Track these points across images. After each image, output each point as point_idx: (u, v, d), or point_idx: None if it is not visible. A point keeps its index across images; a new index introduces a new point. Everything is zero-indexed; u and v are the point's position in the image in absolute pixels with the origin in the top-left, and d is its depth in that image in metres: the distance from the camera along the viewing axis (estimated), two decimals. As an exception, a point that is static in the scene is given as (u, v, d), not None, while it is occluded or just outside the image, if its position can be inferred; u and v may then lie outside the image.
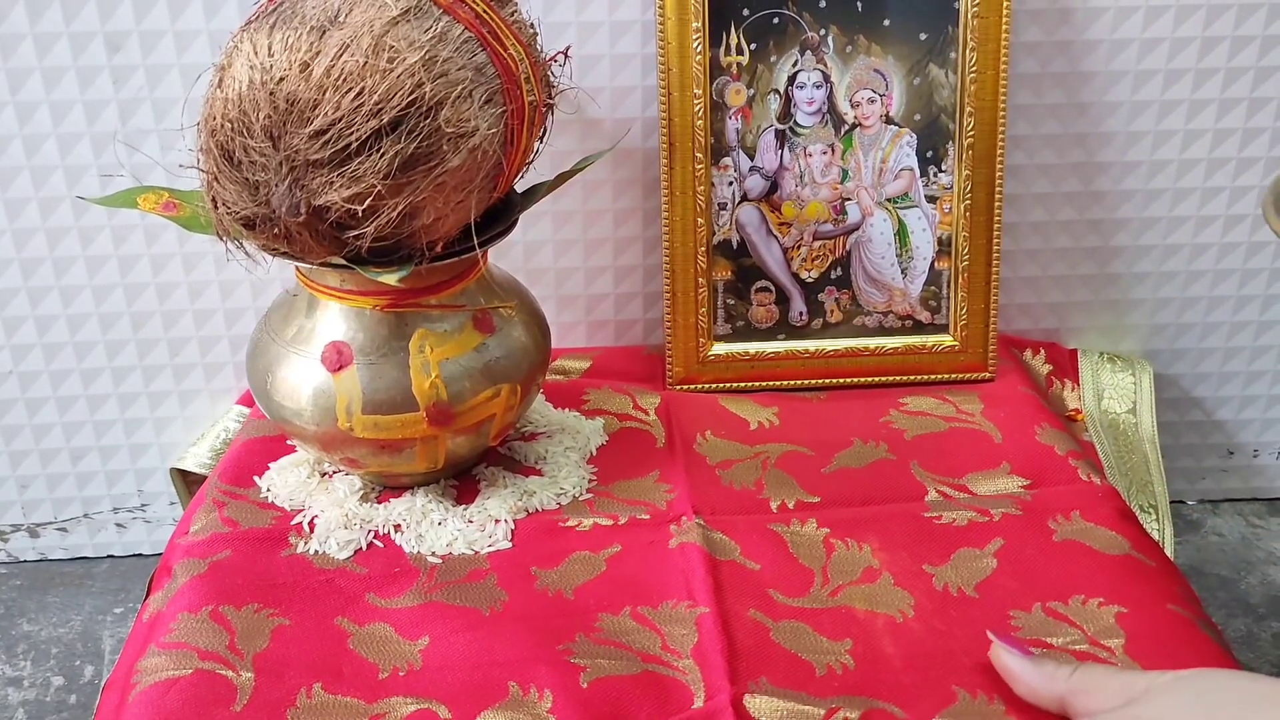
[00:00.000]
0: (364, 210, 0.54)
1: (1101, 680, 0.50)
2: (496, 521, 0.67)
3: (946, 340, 0.82)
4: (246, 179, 0.56)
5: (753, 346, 0.82)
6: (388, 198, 0.55)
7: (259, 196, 0.56)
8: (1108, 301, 0.91)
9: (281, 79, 0.54)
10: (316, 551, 0.65)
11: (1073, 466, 0.72)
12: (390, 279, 0.58)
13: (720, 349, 0.81)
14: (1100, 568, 0.62)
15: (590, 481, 0.71)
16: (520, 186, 0.69)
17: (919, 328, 0.82)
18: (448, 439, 0.65)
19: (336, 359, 0.64)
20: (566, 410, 0.78)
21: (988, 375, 0.82)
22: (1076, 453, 0.73)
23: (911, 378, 0.82)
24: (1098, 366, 0.89)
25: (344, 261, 0.59)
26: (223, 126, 0.56)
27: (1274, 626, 0.88)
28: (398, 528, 0.67)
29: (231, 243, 0.59)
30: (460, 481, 0.71)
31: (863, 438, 0.74)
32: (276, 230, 0.56)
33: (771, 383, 0.81)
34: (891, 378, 0.82)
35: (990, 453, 0.74)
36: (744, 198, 0.80)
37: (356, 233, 0.55)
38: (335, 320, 0.64)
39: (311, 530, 0.67)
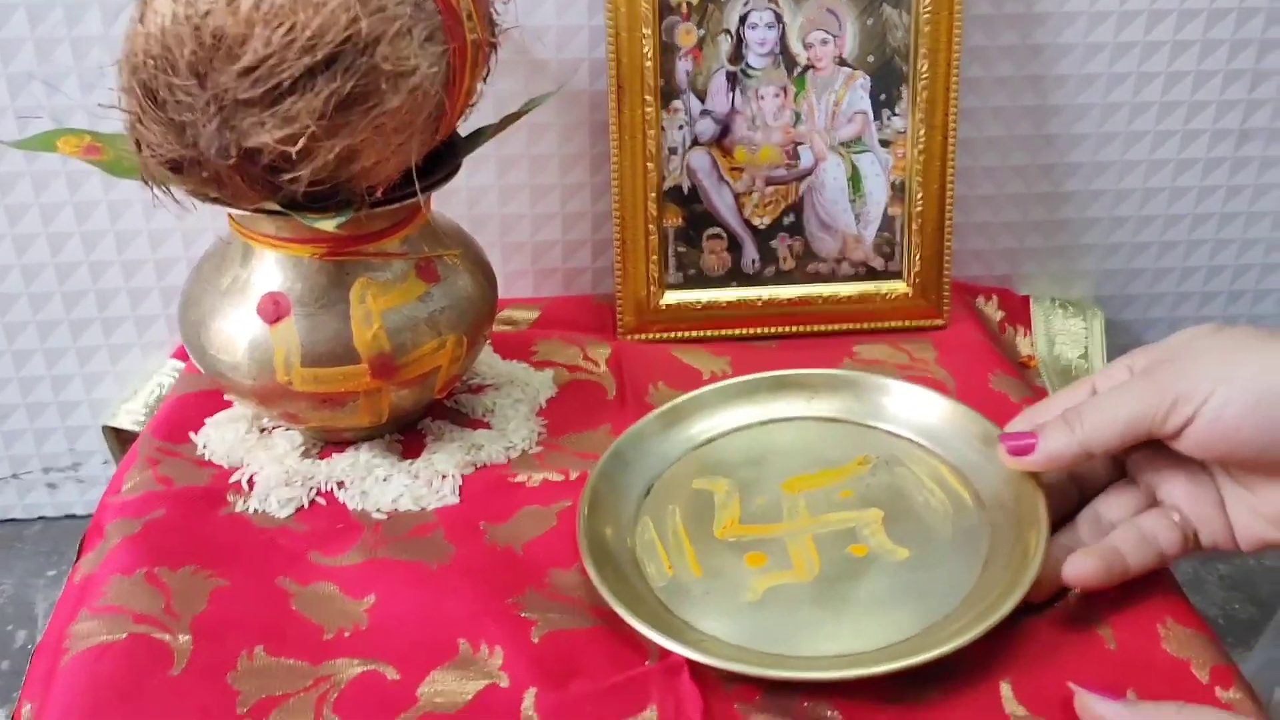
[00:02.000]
0: (298, 153, 0.52)
1: None
2: (443, 476, 0.66)
3: (900, 287, 0.81)
4: (172, 120, 0.53)
5: (705, 295, 0.80)
6: (323, 140, 0.52)
7: (186, 138, 0.53)
8: (1059, 247, 0.91)
9: (207, 12, 0.51)
10: (256, 510, 0.63)
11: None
12: (328, 225, 0.56)
13: (672, 297, 0.80)
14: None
15: (540, 434, 0.70)
16: (463, 130, 0.66)
17: (872, 274, 0.81)
18: (391, 392, 0.63)
19: (273, 310, 0.61)
20: (515, 361, 0.77)
21: (941, 322, 0.82)
22: (1030, 400, 0.73)
23: (865, 325, 0.81)
24: (1050, 312, 0.89)
25: (279, 207, 0.57)
26: (145, 64, 0.53)
27: (1220, 569, 0.89)
28: (341, 484, 0.65)
29: (158, 188, 0.57)
30: (405, 435, 0.70)
31: (815, 385, 0.73)
32: (205, 174, 0.54)
33: (724, 331, 0.80)
34: (845, 325, 0.81)
35: (945, 399, 0.73)
36: (695, 142, 0.78)
37: (291, 176, 0.53)
38: (271, 269, 0.62)
39: (250, 488, 0.65)
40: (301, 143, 0.51)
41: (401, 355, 0.62)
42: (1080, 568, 0.54)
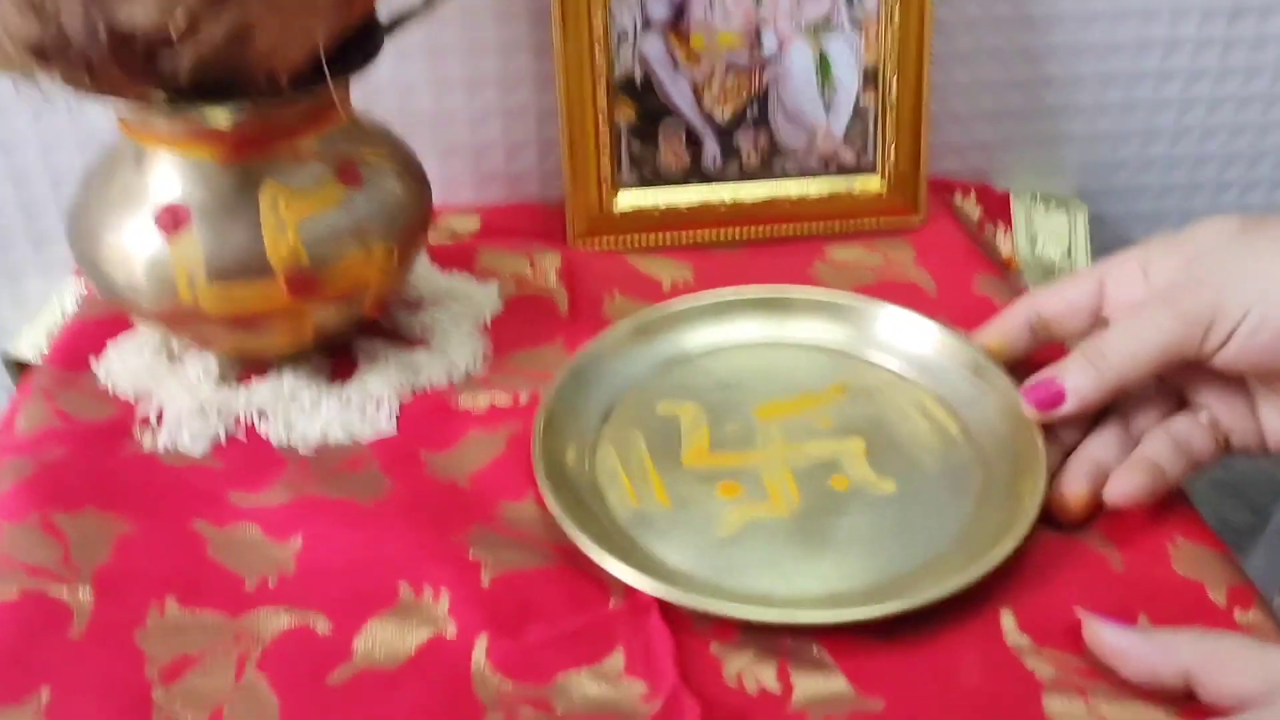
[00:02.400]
0: (179, 31, 0.44)
1: (1234, 652, 0.43)
2: (377, 402, 0.59)
3: (873, 183, 0.75)
4: (30, -6, 0.45)
5: (662, 196, 0.73)
6: (206, 17, 0.45)
7: (47, 17, 0.45)
8: (1040, 137, 0.85)
9: None
10: (166, 446, 0.57)
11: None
12: (222, 119, 0.49)
13: (626, 200, 0.73)
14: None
15: (485, 354, 0.64)
16: (384, 14, 0.58)
17: (843, 170, 0.75)
18: (314, 310, 0.57)
19: (172, 220, 0.54)
20: (455, 274, 0.70)
21: (918, 220, 0.76)
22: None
23: (836, 226, 0.75)
24: (1030, 208, 0.83)
25: (165, 99, 0.49)
26: (-5, -75, 0.44)
27: (1212, 475, 0.85)
28: (262, 414, 0.59)
29: (23, 79, 0.49)
30: (335, 358, 0.63)
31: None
32: (74, 60, 0.46)
33: (685, 234, 0.74)
34: (814, 226, 0.75)
35: (926, 306, 0.67)
36: (647, 25, 0.71)
37: (172, 58, 0.45)
38: (168, 174, 0.54)
39: (159, 421, 0.58)
40: (179, 20, 0.43)
41: (323, 269, 0.55)
42: (1125, 486, 0.49)
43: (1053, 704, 0.44)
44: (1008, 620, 0.47)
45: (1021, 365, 0.57)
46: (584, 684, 0.45)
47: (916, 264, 0.72)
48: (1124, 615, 0.47)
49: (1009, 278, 0.74)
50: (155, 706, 0.44)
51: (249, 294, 0.54)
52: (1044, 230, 0.82)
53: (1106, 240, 0.88)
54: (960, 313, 0.66)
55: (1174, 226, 0.89)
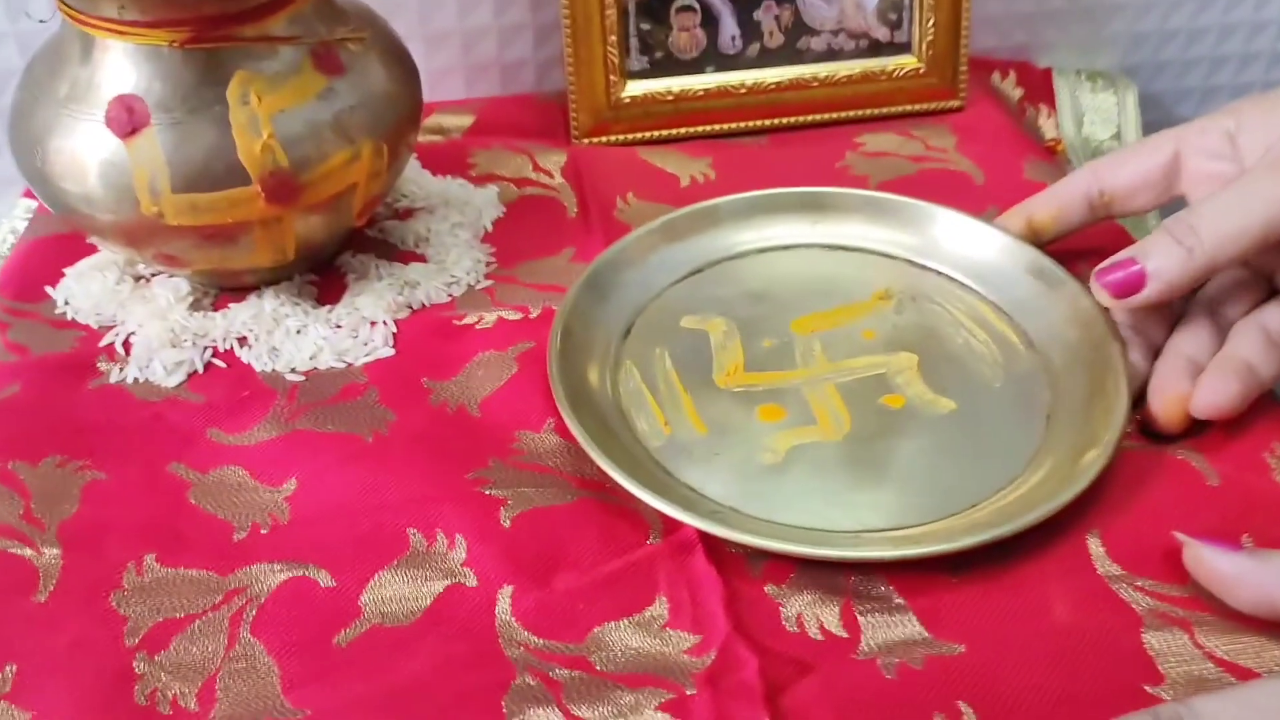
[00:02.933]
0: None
1: None
2: (372, 323, 0.53)
3: (909, 62, 0.68)
4: None
5: (676, 83, 0.67)
6: None
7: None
8: (1083, 9, 0.78)
9: None
10: (136, 379, 0.51)
11: (1073, 204, 0.60)
12: (179, -7, 0.42)
13: (636, 88, 0.66)
14: (1127, 322, 0.52)
15: (488, 265, 0.58)
16: None
17: (876, 49, 0.68)
18: (295, 220, 0.50)
19: (127, 119, 0.47)
20: (449, 178, 0.64)
21: (958, 103, 0.69)
22: (1074, 188, 0.62)
23: (868, 111, 0.69)
24: (1075, 87, 0.76)
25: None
26: None
27: None
28: (243, 340, 0.53)
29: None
30: (321, 276, 0.57)
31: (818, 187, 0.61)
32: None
33: (702, 127, 0.67)
34: (845, 113, 0.68)
35: (972, 196, 0.62)
36: (654, -113, 0.63)
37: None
38: (121, 66, 0.48)
39: (128, 352, 0.52)
40: None
41: (304, 171, 0.49)
42: (1214, 395, 0.44)
43: (1152, 639, 0.39)
44: (1095, 547, 0.42)
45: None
46: (624, 636, 0.40)
47: (958, 150, 0.66)
48: (1225, 536, 0.42)
49: (1059, 162, 0.67)
50: (138, 679, 0.39)
51: (220, 203, 0.48)
52: (1090, 110, 0.76)
53: (1157, 121, 0.81)
54: (1012, 202, 0.60)
55: (1225, 103, 0.83)
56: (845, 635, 0.40)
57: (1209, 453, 0.46)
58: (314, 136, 0.49)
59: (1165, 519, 0.43)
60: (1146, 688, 0.38)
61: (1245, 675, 0.38)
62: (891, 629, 0.40)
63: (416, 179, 0.63)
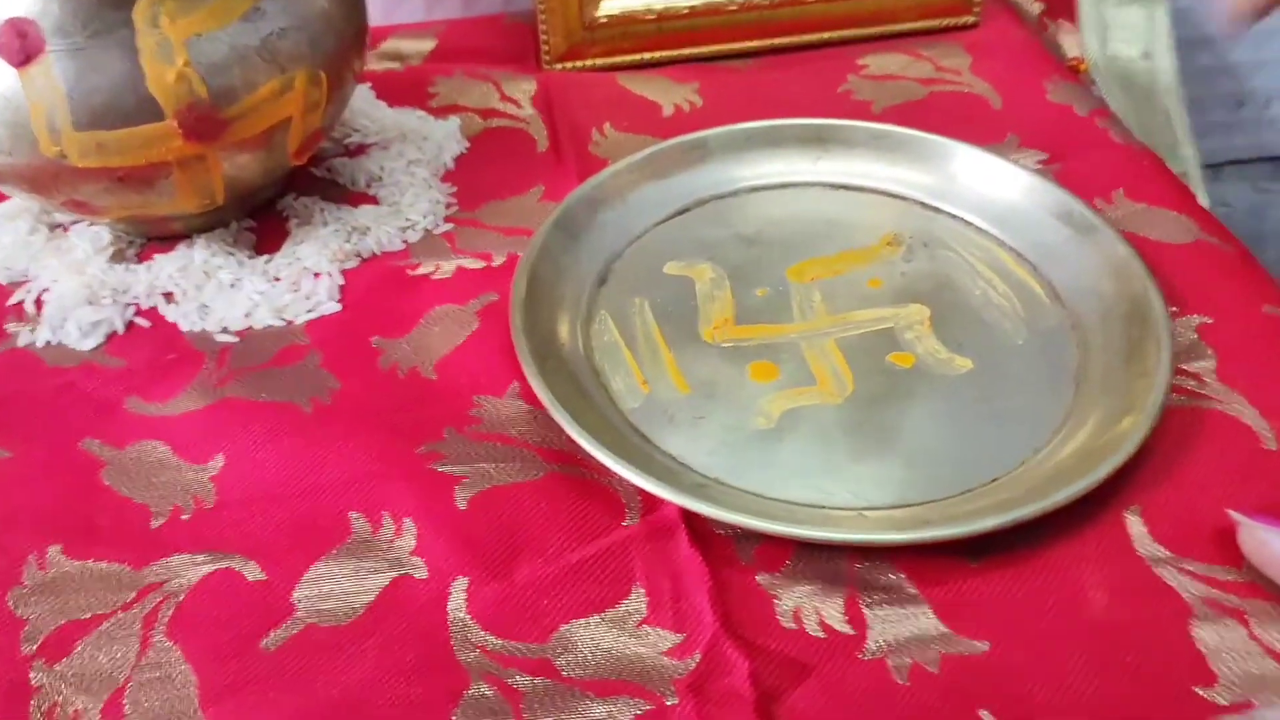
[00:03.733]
0: None
1: None
2: (315, 275, 0.48)
3: (917, -27, 0.62)
4: None
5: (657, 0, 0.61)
6: None
7: None
8: (1110, -87, 0.71)
9: None
10: (49, 342, 0.46)
11: (1101, 129, 0.55)
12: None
13: (613, 6, 0.60)
14: (1166, 264, 0.47)
15: (448, 207, 0.52)
16: None
17: (880, -42, 0.62)
18: (221, 160, 0.45)
19: (19, 46, 0.42)
20: (407, 109, 0.58)
21: (971, 19, 0.63)
22: (1103, 110, 0.56)
23: (873, 30, 0.63)
24: (1100, 0, 0.70)
25: None
26: None
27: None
28: (169, 297, 0.48)
29: None
30: (260, 221, 0.52)
31: (817, 115, 0.55)
32: None
33: (688, 49, 0.61)
34: (846, 32, 0.62)
35: (989, 122, 0.56)
36: None
37: None
38: (9, -16, 0.42)
39: (39, 311, 0.47)
40: None
41: (228, 104, 0.43)
42: None
43: (1204, 632, 0.35)
44: (1135, 525, 0.38)
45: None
46: (596, 636, 0.35)
47: (973, 71, 0.60)
48: (1285, 510, 0.37)
49: (1084, 83, 0.62)
50: (35, 691, 0.34)
51: (132, 141, 0.43)
52: (1116, 25, 0.69)
53: (1189, 38, 0.75)
54: (1034, 128, 0.55)
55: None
56: (850, 632, 0.35)
57: (1267, 409, 0.41)
58: (238, 64, 0.43)
59: (1216, 490, 0.38)
60: (1198, 690, 0.33)
61: (1310, 673, 0.33)
62: (903, 623, 0.35)
63: (369, 111, 0.57)
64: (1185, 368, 0.42)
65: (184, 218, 0.49)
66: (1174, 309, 0.45)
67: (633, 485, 0.38)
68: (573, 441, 0.39)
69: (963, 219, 0.50)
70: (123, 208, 0.46)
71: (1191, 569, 0.36)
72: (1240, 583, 0.36)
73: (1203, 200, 0.62)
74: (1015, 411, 0.41)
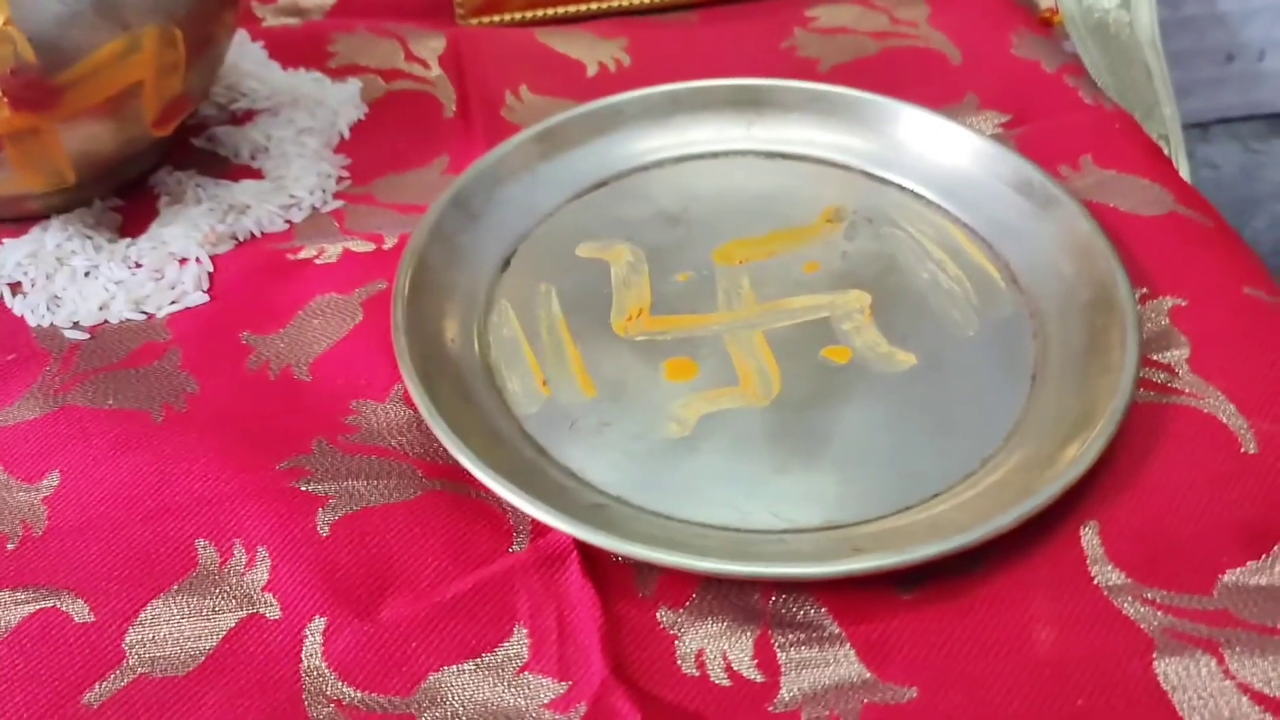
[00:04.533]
0: None
1: None
2: (182, 261, 0.44)
3: (871, -87, 0.57)
4: None
5: (582, -54, 0.56)
6: None
7: None
8: None
9: None
10: (-127, 342, 0.41)
11: (1071, 88, 0.51)
12: None
13: (531, -47, 0.56)
14: (1138, 238, 0.42)
15: (340, 181, 0.48)
16: None
17: (829, -103, 0.57)
18: (62, 132, 0.40)
19: None
20: (301, 71, 0.53)
21: (931, -35, 0.58)
22: (1073, 66, 0.52)
23: (822, -22, 0.58)
24: (1076, -55, 0.65)
25: None
26: None
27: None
28: (16, 287, 0.43)
29: None
30: (128, 200, 0.47)
31: (757, 75, 0.51)
32: None
33: (615, 2, 0.56)
34: (793, -20, 0.57)
35: (948, 81, 0.52)
36: None
37: None
38: None
39: None
40: None
41: (60, 68, 0.38)
42: None
43: (1169, 668, 0.31)
44: (1092, 545, 0.33)
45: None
46: (467, 685, 0.31)
47: (930, 23, 0.55)
48: (1266, 521, 0.33)
49: (1056, 36, 0.57)
50: None
51: (-51, 114, 0.38)
52: (1093, -27, 0.65)
53: (1173, -16, 0.71)
54: (996, 87, 0.50)
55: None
56: (760, 679, 0.31)
57: (1246, 405, 0.37)
58: (70, 22, 0.38)
59: (1185, 501, 0.34)
60: (1159, 737, 0.29)
61: (1293, 718, 0.29)
62: (822, 669, 0.31)
63: (259, 73, 0.52)
64: (1155, 358, 0.38)
65: (39, 196, 0.44)
66: (1144, 291, 0.40)
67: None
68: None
69: (911, 191, 0.45)
70: (-43, 187, 0.42)
71: (1154, 597, 0.32)
72: (1212, 610, 0.32)
73: (1183, 169, 0.58)
74: (962, 415, 0.37)
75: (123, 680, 0.31)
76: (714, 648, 0.32)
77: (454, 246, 0.42)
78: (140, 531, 0.35)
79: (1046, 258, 0.41)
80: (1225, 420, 0.36)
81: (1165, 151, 0.57)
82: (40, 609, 0.33)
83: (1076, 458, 0.34)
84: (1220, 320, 0.39)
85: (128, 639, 0.32)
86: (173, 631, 0.32)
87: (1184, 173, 0.58)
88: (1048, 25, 0.63)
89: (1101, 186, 0.45)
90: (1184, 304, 0.40)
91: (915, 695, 0.30)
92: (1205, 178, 0.77)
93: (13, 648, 0.32)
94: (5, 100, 0.38)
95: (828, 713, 0.30)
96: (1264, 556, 0.33)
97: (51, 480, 0.36)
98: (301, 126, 0.50)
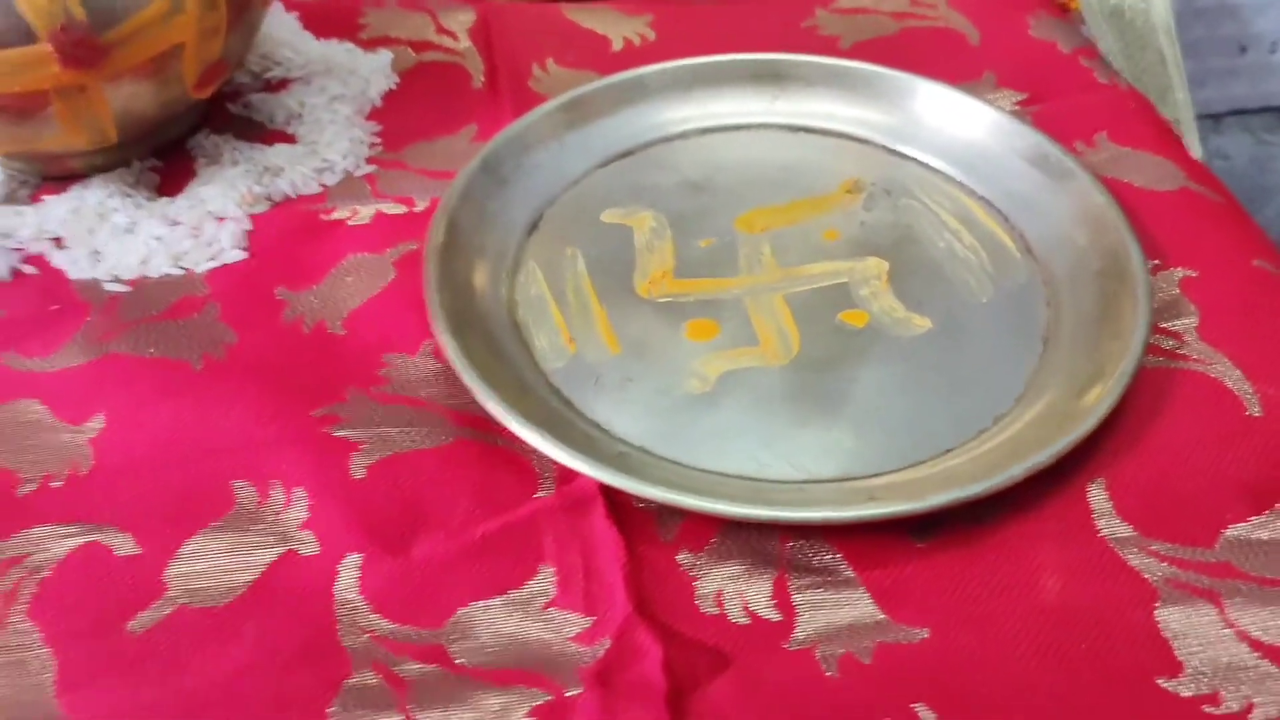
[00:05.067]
0: None
1: None
2: (219, 219, 0.45)
3: (892, -104, 0.58)
4: None
5: (609, -77, 0.57)
6: None
7: None
8: None
9: None
10: (-77, 290, 0.43)
11: (1085, 68, 0.52)
12: None
13: (560, -70, 0.57)
14: (1150, 212, 0.43)
15: (372, 147, 0.49)
16: None
17: (852, -120, 0.58)
18: (107, 90, 0.42)
19: (-126, -40, 0.38)
20: (333, 41, 0.54)
21: (951, -52, 0.59)
22: (1088, 49, 0.53)
23: (843, -41, 0.59)
24: (1094, -69, 0.66)
25: None
26: None
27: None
28: (59, 241, 0.44)
29: None
30: (166, 162, 0.48)
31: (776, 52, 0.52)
32: None
33: (640, -23, 0.58)
34: (814, -39, 0.59)
35: (967, 60, 0.53)
36: None
37: None
38: None
39: (-86, 257, 0.44)
40: None
41: (108, 26, 0.40)
42: None
43: (1170, 616, 0.32)
44: (1099, 500, 0.35)
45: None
46: (496, 619, 0.32)
47: (950, 4, 0.56)
48: (1270, 483, 0.34)
49: (1073, 20, 0.58)
50: (-128, 678, 0.31)
51: (2, 66, 0.39)
52: (1110, -39, 0.66)
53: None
54: (1013, 66, 0.52)
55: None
56: (776, 618, 0.32)
57: (1252, 371, 0.38)
58: (119, -20, 0.40)
59: (1190, 460, 0.36)
60: (1161, 681, 0.30)
61: (1291, 665, 0.31)
62: (836, 610, 0.32)
63: (294, 43, 0.53)
64: (1165, 326, 0.39)
65: (81, 155, 0.46)
66: (1155, 262, 0.41)
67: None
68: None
69: (929, 165, 0.46)
70: (9, 141, 0.43)
71: (1159, 549, 0.33)
72: (1214, 563, 0.33)
73: (1196, 151, 0.59)
74: (975, 376, 0.38)
75: (164, 610, 0.33)
76: (732, 589, 0.33)
77: (483, 209, 0.44)
78: (180, 472, 0.36)
79: (1061, 229, 0.42)
80: (1230, 385, 0.38)
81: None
82: (86, 543, 0.34)
83: (1086, 415, 0.35)
84: (1229, 291, 0.41)
85: (168, 572, 0.34)
86: (211, 565, 0.34)
87: (1196, 156, 0.59)
88: (1065, 9, 0.64)
89: (1115, 162, 0.46)
90: (1194, 275, 0.41)
91: (927, 635, 0.32)
92: (1217, 168, 0.78)
93: (61, 578, 0.34)
94: (55, 56, 0.39)
95: (842, 650, 0.31)
96: (1266, 512, 0.34)
97: (96, 423, 0.38)
98: (334, 94, 0.51)
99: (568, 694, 0.30)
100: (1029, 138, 0.45)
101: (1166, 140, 0.47)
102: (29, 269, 0.44)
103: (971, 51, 0.53)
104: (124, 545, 0.34)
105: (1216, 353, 0.39)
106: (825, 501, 0.34)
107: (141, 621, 0.33)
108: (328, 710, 0.30)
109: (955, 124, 0.46)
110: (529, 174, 0.46)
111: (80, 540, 0.34)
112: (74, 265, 0.43)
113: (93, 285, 0.43)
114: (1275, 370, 0.38)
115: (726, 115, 0.49)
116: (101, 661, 0.32)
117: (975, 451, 0.35)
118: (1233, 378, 0.38)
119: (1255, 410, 0.37)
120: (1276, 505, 0.34)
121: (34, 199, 0.46)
